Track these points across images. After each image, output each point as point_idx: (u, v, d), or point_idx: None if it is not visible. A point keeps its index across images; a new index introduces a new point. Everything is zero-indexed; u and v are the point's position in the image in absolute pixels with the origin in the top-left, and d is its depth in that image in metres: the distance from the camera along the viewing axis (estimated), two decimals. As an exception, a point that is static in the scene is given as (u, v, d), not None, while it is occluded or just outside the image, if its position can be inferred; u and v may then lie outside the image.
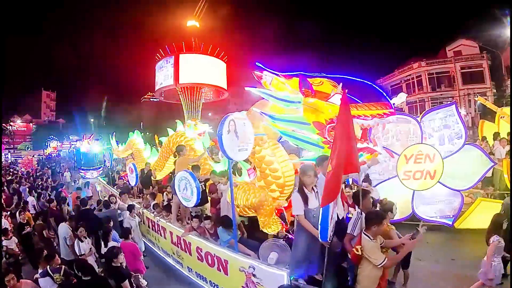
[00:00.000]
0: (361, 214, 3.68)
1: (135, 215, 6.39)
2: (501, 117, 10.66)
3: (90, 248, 5.32)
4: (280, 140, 5.18)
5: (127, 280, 4.01)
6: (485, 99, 17.88)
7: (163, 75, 20.84)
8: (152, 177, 8.70)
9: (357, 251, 3.11)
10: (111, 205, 6.97)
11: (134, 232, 5.91)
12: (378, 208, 4.32)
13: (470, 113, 25.44)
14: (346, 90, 3.47)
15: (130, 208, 6.31)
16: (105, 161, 13.82)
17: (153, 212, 6.20)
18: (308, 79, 4.73)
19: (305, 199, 3.52)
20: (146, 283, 5.02)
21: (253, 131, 4.26)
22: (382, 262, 3.04)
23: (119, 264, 4.09)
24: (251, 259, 3.75)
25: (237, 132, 3.78)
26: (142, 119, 43.89)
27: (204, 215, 5.75)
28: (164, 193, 7.80)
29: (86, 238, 5.30)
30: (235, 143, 3.75)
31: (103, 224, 5.70)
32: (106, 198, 8.69)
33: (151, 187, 8.14)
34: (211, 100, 25.21)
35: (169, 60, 20.51)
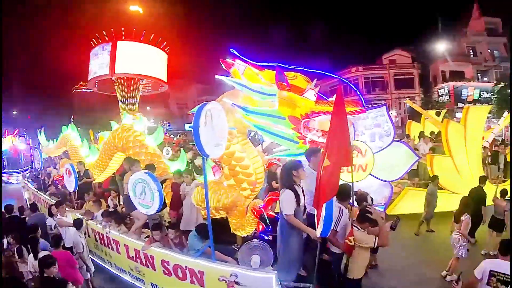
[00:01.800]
0: (342, 209, 3.65)
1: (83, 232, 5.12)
2: (426, 118, 12.22)
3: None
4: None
5: None
6: (413, 102, 20.53)
7: (98, 63, 18.39)
8: (89, 179, 7.54)
9: (350, 242, 3.25)
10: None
11: (83, 253, 4.80)
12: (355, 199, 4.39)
13: (400, 114, 29.18)
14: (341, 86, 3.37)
15: (78, 224, 4.96)
16: (33, 161, 11.39)
17: (101, 223, 5.16)
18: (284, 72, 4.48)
19: (298, 198, 3.31)
20: None
21: (227, 124, 3.83)
22: (375, 242, 3.21)
23: (52, 276, 3.49)
24: (232, 266, 3.36)
25: (213, 124, 3.32)
26: (73, 112, 38.81)
27: (164, 222, 5.12)
28: (109, 198, 6.77)
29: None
30: (212, 137, 3.28)
31: (30, 232, 4.65)
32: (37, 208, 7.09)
33: (91, 193, 6.90)
34: (150, 93, 23.09)
35: (106, 47, 18.16)
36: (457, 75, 29.00)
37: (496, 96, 24.79)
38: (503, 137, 15.38)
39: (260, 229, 4.30)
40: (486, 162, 9.83)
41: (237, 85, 4.26)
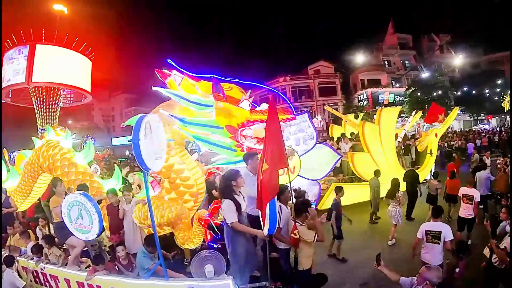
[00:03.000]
0: (282, 207, 3.97)
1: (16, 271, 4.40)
2: (345, 122, 13.77)
3: None
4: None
5: None
6: (335, 108, 23.20)
7: (12, 69, 15.74)
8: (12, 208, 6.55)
9: (295, 235, 3.56)
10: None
11: None
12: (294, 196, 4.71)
13: (325, 119, 32.63)
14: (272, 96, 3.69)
15: (9, 261, 4.23)
16: None
17: (33, 258, 4.56)
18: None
19: (238, 206, 3.47)
20: None
21: (166, 136, 3.86)
22: (314, 238, 3.55)
23: None
24: (188, 280, 3.37)
25: (153, 137, 3.32)
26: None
27: (105, 247, 4.80)
28: (37, 228, 5.98)
29: None
30: (152, 150, 3.28)
31: None
32: None
33: (16, 224, 5.97)
34: (71, 105, 20.71)
35: (23, 51, 15.68)
36: (374, 83, 34.36)
37: (407, 99, 30.45)
38: (415, 132, 18.13)
39: (209, 238, 4.35)
40: (400, 154, 11.41)
41: (174, 96, 4.29)
